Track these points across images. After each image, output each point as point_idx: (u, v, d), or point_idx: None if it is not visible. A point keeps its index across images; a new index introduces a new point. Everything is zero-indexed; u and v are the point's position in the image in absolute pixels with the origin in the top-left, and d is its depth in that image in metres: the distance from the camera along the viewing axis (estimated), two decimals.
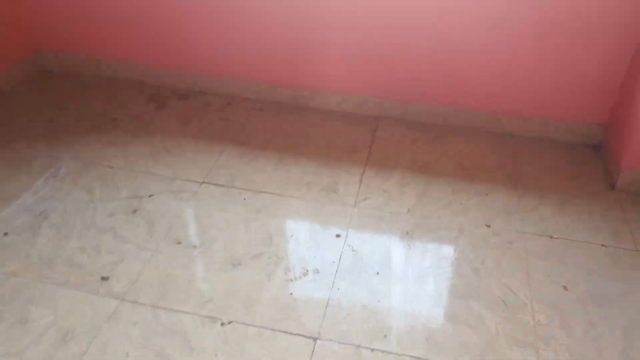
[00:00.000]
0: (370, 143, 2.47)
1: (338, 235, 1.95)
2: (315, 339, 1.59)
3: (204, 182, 2.19)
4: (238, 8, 2.51)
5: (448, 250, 1.89)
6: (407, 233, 1.96)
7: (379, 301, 1.70)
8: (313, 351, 1.56)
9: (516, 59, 2.35)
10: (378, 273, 1.80)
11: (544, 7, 2.18)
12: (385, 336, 1.60)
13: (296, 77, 2.66)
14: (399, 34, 2.41)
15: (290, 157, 2.35)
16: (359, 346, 1.57)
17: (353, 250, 1.89)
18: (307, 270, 1.80)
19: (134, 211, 2.03)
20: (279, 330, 1.61)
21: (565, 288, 1.75)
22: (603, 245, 1.91)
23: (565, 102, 2.41)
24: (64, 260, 1.82)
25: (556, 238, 1.94)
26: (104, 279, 1.76)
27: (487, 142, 2.49)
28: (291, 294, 1.72)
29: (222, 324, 1.63)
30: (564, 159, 2.39)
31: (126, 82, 2.87)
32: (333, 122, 2.62)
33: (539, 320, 1.64)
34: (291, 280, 1.77)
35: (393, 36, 2.42)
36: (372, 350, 1.56)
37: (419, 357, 1.54)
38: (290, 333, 1.61)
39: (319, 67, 2.60)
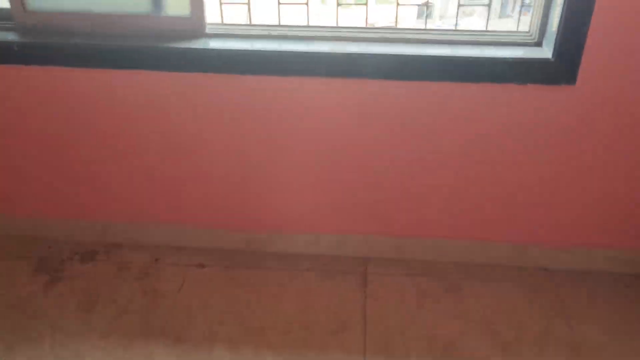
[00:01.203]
0: (362, 309, 1.74)
1: None
2: None
3: None
4: (164, 134, 1.77)
5: None
6: None
7: None
8: None
9: (545, 175, 1.71)
10: None
11: (580, 112, 1.58)
12: None
13: (248, 215, 1.92)
14: (387, 153, 1.73)
15: (250, 354, 1.58)
16: None
17: None
18: None
19: None
20: None
21: None
22: None
23: (613, 225, 1.79)
24: None
25: None
26: None
27: (519, 287, 1.81)
28: None
29: None
30: (628, 304, 1.75)
31: (4, 241, 2.03)
32: (304, 275, 1.88)
33: None
34: None
35: (379, 156, 1.74)
36: None
37: None
38: None
39: (280, 201, 1.87)
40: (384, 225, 1.88)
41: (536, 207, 1.78)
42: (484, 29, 1.71)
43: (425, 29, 1.67)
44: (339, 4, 1.81)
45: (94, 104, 1.72)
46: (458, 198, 1.79)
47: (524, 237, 1.85)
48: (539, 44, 1.58)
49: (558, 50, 1.48)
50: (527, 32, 1.63)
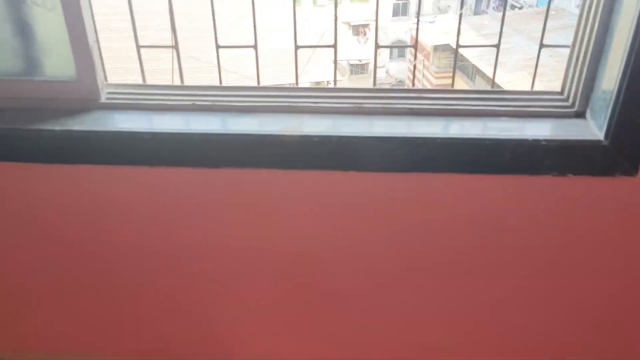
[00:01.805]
0: None
1: None
2: None
3: None
4: (62, 244, 1.25)
5: None
6: None
7: None
8: None
9: (589, 289, 1.24)
10: None
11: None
12: None
13: (187, 342, 1.40)
14: (371, 263, 1.24)
15: None
16: None
17: None
18: None
19: None
20: None
21: None
22: None
23: None
24: None
25: None
26: None
27: None
28: None
29: None
30: None
31: None
32: None
33: None
34: None
35: (361, 268, 1.24)
36: None
37: None
38: None
39: (231, 326, 1.36)
40: (368, 355, 1.38)
41: (572, 325, 1.31)
42: (484, 91, 1.24)
43: (414, 90, 1.18)
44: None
45: None
46: (468, 318, 1.30)
47: (557, 355, 1.37)
48: (580, 114, 1.11)
49: (615, 126, 1.01)
50: (559, 93, 1.16)
